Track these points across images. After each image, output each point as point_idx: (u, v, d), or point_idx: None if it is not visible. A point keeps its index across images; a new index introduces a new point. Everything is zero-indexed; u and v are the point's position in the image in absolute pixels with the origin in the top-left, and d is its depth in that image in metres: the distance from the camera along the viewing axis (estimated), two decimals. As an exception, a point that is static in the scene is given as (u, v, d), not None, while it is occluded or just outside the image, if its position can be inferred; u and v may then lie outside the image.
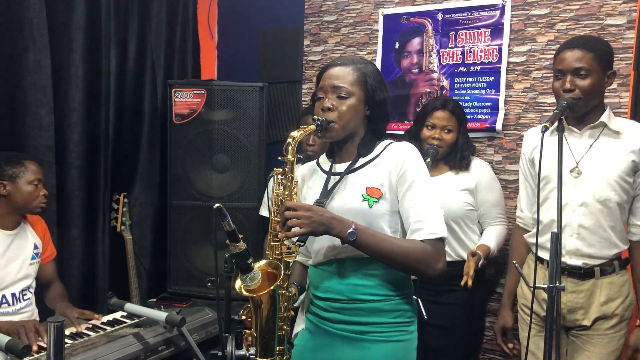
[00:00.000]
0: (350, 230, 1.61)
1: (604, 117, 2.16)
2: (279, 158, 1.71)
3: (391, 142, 1.83)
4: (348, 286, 1.74)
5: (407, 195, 1.71)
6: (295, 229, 1.59)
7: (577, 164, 2.17)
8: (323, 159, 1.94)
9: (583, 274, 2.18)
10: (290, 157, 1.68)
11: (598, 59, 2.11)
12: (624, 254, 2.22)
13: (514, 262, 2.06)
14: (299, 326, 1.93)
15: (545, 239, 2.19)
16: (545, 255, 2.20)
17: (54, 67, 2.80)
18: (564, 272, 2.18)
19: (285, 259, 1.68)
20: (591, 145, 2.17)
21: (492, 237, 2.59)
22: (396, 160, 1.74)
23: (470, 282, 2.38)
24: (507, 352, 2.54)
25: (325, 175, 1.85)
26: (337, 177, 1.80)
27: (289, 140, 1.68)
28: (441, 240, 1.71)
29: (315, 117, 1.76)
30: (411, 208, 1.70)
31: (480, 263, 2.46)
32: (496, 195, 2.66)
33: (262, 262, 1.68)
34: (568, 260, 2.17)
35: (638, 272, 2.19)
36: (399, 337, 1.74)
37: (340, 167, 1.83)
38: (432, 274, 1.69)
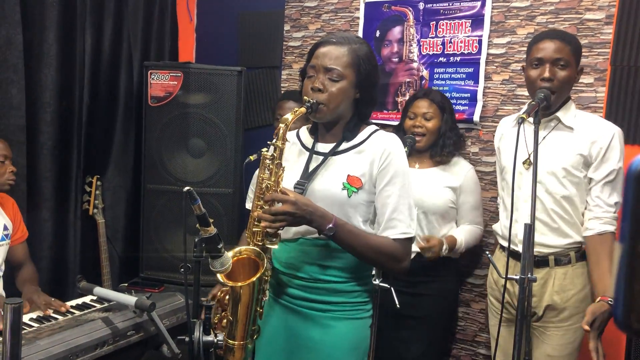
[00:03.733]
0: (330, 226, 1.63)
1: (559, 112, 2.18)
2: (268, 142, 1.69)
3: (377, 130, 1.82)
4: (312, 266, 1.75)
5: (386, 189, 1.72)
6: (279, 224, 1.61)
7: (529, 155, 2.19)
8: (304, 133, 1.90)
9: (537, 262, 2.19)
10: (279, 143, 1.65)
11: (575, 53, 2.15)
12: (584, 246, 2.22)
13: (487, 252, 2.08)
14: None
15: (503, 228, 2.32)
16: (504, 243, 2.29)
17: (26, 45, 2.72)
18: (518, 259, 2.19)
19: (267, 245, 1.66)
20: (544, 138, 2.19)
21: (462, 232, 2.60)
22: (381, 152, 1.73)
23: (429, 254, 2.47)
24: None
25: (305, 152, 1.83)
26: (319, 159, 1.78)
27: (281, 125, 1.65)
28: (410, 239, 1.74)
29: (305, 97, 1.72)
30: (387, 204, 1.71)
31: (444, 249, 2.49)
32: (476, 199, 2.68)
33: (248, 248, 1.66)
34: (519, 248, 2.18)
35: (590, 264, 2.15)
36: (358, 315, 1.78)
37: (323, 148, 1.81)
38: (398, 270, 1.77)
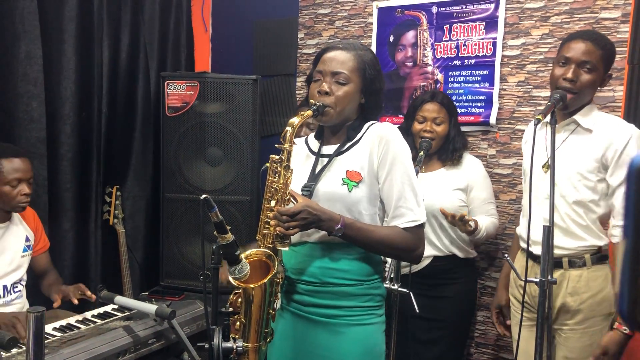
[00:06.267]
0: (338, 227, 1.65)
1: (577, 115, 2.15)
2: (276, 145, 1.70)
3: (374, 122, 1.83)
4: (320, 269, 1.75)
5: (389, 178, 1.72)
6: (292, 231, 1.63)
7: (548, 158, 2.17)
8: (311, 139, 1.94)
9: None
10: (287, 145, 1.67)
11: (605, 59, 2.11)
12: (604, 250, 2.18)
13: (505, 254, 2.07)
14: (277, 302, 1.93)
15: (522, 230, 2.30)
16: (524, 245, 2.26)
17: (46, 59, 2.78)
18: (535, 261, 2.17)
19: (278, 247, 1.67)
20: (563, 141, 2.17)
21: (482, 220, 2.55)
22: (377, 141, 1.74)
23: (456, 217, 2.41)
24: (501, 333, 2.55)
25: (311, 156, 1.86)
26: (325, 160, 1.80)
27: (288, 128, 1.67)
28: (420, 226, 1.74)
29: (311, 101, 1.75)
30: (392, 192, 1.72)
31: (472, 224, 2.43)
32: (488, 193, 2.66)
33: (258, 250, 1.67)
34: (534, 250, 2.16)
35: (615, 272, 2.14)
36: (369, 320, 1.77)
37: (328, 150, 1.84)
38: (411, 259, 1.80)
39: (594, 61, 2.08)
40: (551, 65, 2.26)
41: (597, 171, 2.10)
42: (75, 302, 2.31)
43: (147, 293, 3.11)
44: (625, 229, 0.45)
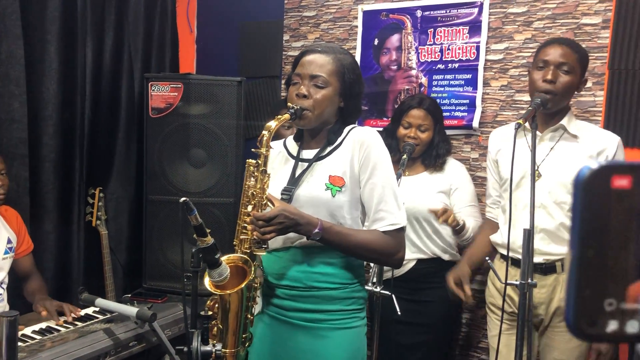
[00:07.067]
0: (316, 231, 1.65)
1: (564, 121, 2.19)
2: (253, 150, 1.70)
3: (354, 127, 1.83)
4: (305, 274, 1.74)
5: (369, 182, 1.73)
6: (268, 235, 1.62)
7: (538, 167, 2.19)
8: (290, 142, 1.93)
9: (544, 268, 2.20)
10: (264, 150, 1.67)
11: (580, 63, 2.17)
12: None
13: (487, 258, 2.08)
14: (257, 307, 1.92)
15: (504, 237, 2.26)
16: (504, 251, 2.25)
17: (28, 59, 2.75)
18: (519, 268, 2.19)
19: (255, 253, 1.67)
20: (551, 148, 2.20)
21: (468, 222, 2.54)
22: (358, 146, 1.74)
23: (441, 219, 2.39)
24: (461, 298, 2.37)
25: (290, 159, 1.86)
26: (305, 165, 1.80)
27: (264, 132, 1.67)
28: (401, 229, 1.74)
29: (289, 104, 1.74)
30: (373, 196, 1.72)
31: (457, 221, 2.43)
32: (471, 196, 2.67)
33: (234, 255, 1.67)
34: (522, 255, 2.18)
35: None
36: (352, 323, 1.77)
37: (308, 154, 1.83)
38: (392, 263, 1.80)
39: (571, 63, 2.13)
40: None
41: None
42: (59, 322, 2.28)
43: (129, 295, 3.10)
44: (572, 240, 0.46)
